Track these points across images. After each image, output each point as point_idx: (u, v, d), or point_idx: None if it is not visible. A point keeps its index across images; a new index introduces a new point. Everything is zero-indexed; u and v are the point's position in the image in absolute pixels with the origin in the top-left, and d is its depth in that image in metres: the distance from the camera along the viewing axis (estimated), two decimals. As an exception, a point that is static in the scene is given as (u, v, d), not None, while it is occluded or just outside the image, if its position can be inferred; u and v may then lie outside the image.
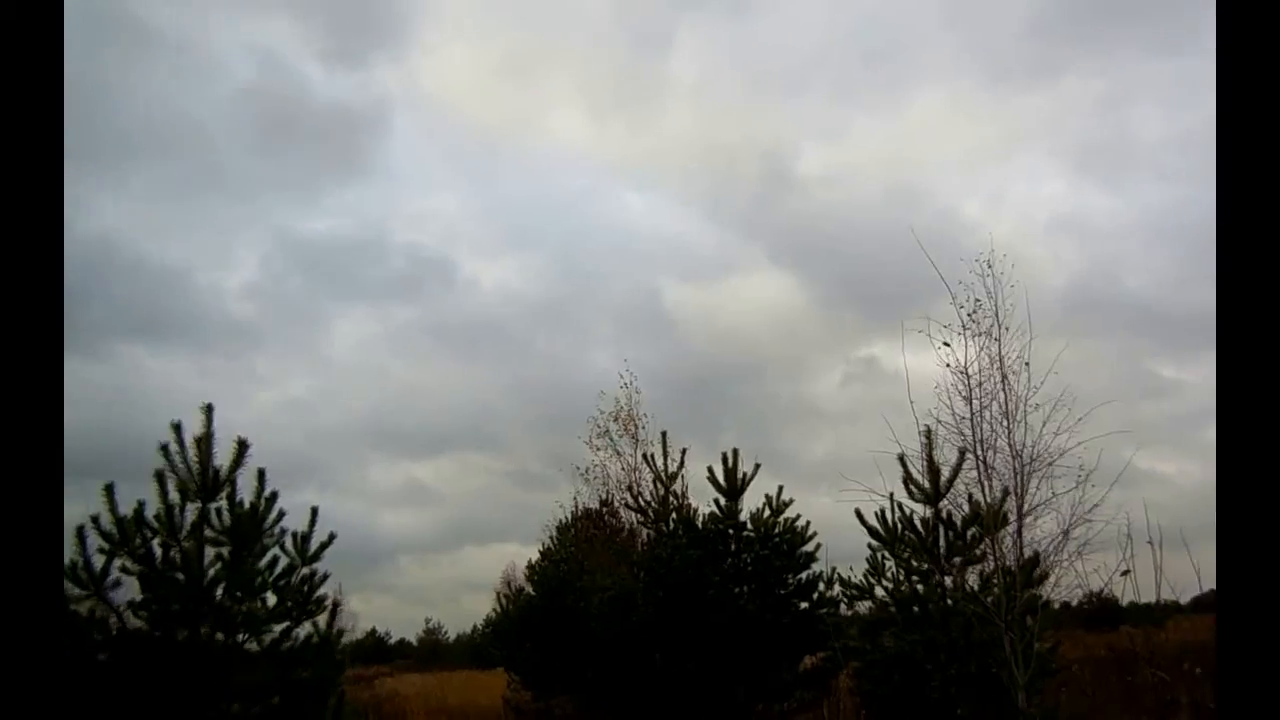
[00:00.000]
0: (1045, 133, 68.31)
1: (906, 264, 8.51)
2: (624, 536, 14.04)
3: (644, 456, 13.25)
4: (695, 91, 69.76)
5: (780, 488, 11.26)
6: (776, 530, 11.06)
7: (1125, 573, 8.78)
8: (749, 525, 11.12)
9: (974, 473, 8.79)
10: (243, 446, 6.79)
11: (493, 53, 74.05)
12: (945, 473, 9.25)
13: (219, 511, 6.72)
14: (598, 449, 14.55)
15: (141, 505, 6.49)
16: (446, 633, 47.96)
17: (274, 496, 6.88)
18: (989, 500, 8.74)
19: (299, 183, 75.29)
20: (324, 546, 7.28)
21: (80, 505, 6.48)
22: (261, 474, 6.89)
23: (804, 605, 10.99)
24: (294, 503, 7.19)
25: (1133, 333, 51.97)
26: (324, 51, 70.22)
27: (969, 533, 9.17)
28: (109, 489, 6.48)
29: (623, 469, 14.32)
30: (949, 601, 9.17)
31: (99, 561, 6.34)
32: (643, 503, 12.79)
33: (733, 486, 11.16)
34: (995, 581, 8.54)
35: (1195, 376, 48.53)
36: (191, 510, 6.65)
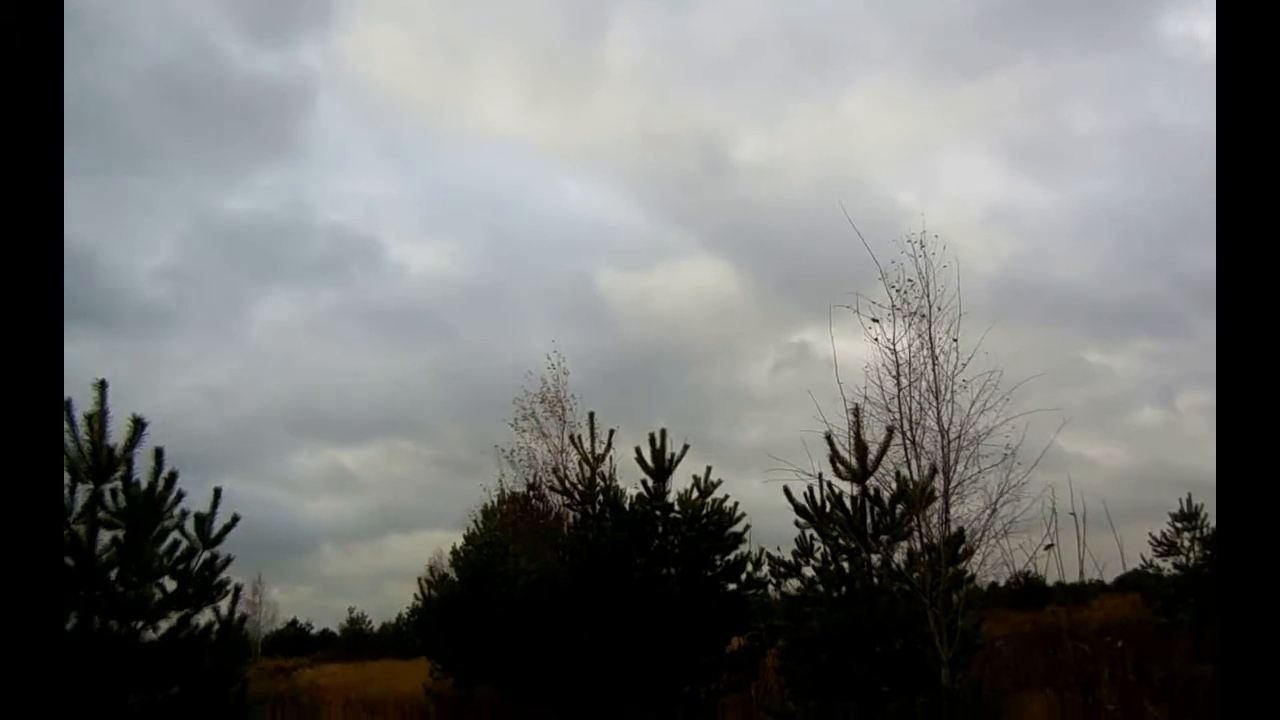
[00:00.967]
0: (980, 125, 69.77)
1: (841, 252, 8.65)
2: (550, 520, 13.97)
3: (571, 438, 13.22)
4: (632, 78, 69.63)
5: (709, 469, 11.30)
6: (704, 511, 11.08)
7: (1049, 546, 8.99)
8: (676, 507, 11.12)
9: (902, 451, 8.93)
10: (139, 425, 6.55)
11: (423, 33, 72.93)
12: (873, 451, 9.37)
13: (114, 493, 6.46)
14: (523, 431, 14.49)
15: (27, 486, 6.20)
16: (370, 622, 47.44)
17: (173, 477, 6.65)
18: (917, 478, 8.87)
19: (219, 162, 73.35)
20: (227, 529, 7.07)
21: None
22: (159, 453, 6.65)
23: (731, 586, 11.04)
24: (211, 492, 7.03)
25: (1061, 320, 53.53)
26: (247, 27, 68.35)
27: (896, 510, 9.30)
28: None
29: (549, 451, 14.28)
30: (875, 579, 9.30)
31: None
32: (569, 485, 12.73)
33: (660, 468, 11.14)
34: (922, 559, 8.68)
35: (1121, 363, 50.34)
36: (83, 492, 6.39)
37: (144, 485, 6.50)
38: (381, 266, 69.72)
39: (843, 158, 64.95)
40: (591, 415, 12.85)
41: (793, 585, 10.46)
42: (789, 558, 11.54)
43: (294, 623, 47.45)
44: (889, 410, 8.87)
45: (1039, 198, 64.74)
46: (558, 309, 58.59)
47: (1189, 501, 20.62)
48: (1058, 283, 53.75)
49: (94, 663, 6.00)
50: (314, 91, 73.40)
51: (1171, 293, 56.43)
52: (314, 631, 49.62)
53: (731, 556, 11.14)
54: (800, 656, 9.16)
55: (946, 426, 8.81)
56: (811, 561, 10.29)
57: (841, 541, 9.63)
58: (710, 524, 11.08)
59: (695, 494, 11.16)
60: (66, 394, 6.42)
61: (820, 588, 9.71)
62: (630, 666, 10.40)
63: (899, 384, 8.62)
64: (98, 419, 6.43)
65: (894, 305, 8.77)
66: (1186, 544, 20.55)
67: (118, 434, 6.55)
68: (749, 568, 11.26)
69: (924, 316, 8.85)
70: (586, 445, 12.62)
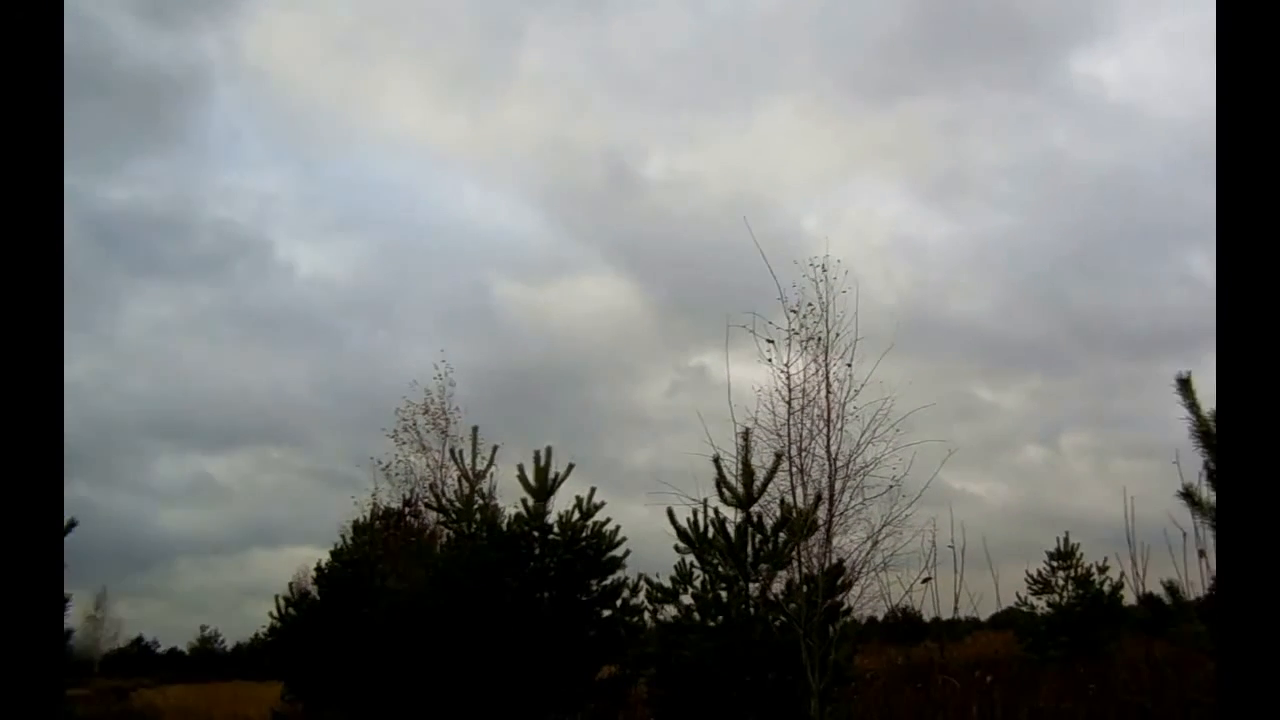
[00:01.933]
0: (886, 154, 72.00)
1: (745, 275, 8.79)
2: (424, 537, 13.74)
3: (451, 453, 13.05)
4: (542, 86, 69.66)
5: (592, 489, 11.27)
6: (584, 534, 11.06)
7: (926, 580, 9.31)
8: (556, 528, 11.07)
9: (789, 478, 9.08)
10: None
11: (331, 27, 71.47)
12: (760, 477, 9.51)
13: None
14: (403, 444, 14.24)
15: None
16: (224, 642, 45.74)
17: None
18: (802, 506, 9.04)
19: (97, 147, 70.04)
20: (65, 534, 6.73)
21: None
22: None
23: (606, 612, 11.03)
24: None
25: (955, 355, 55.40)
26: (139, 8, 65.62)
27: (779, 538, 9.46)
28: None
29: (428, 466, 14.06)
30: (752, 609, 9.43)
31: None
32: (445, 501, 12.56)
33: (543, 487, 11.07)
34: (800, 589, 8.84)
35: (1010, 401, 52.44)
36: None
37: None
38: (268, 267, 67.83)
39: (751, 179, 66.32)
40: (475, 430, 12.73)
41: (670, 612, 10.50)
42: (669, 584, 11.60)
43: (139, 640, 45.39)
44: (778, 436, 9.03)
45: (940, 229, 67.27)
46: (451, 319, 57.98)
47: (1066, 540, 21.61)
48: (953, 316, 55.79)
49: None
50: (210, 81, 71.08)
51: (1060, 331, 59.15)
52: (160, 650, 47.55)
53: (609, 581, 11.13)
54: (670, 685, 9.21)
55: (834, 455, 9.01)
56: (690, 589, 10.35)
57: (721, 569, 9.74)
58: (589, 547, 11.07)
59: (576, 515, 11.12)
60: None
61: (696, 616, 9.80)
62: (493, 693, 10.28)
63: (790, 409, 8.78)
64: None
65: (791, 329, 8.94)
66: (1060, 582, 21.49)
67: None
68: (626, 593, 11.26)
69: (820, 342, 9.03)
70: (468, 461, 12.49)
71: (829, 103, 71.15)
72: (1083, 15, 67.80)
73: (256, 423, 53.42)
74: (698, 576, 10.20)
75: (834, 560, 9.06)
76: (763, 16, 69.35)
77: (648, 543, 11.38)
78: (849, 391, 8.81)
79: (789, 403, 8.73)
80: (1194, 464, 6.77)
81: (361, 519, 14.83)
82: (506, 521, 11.12)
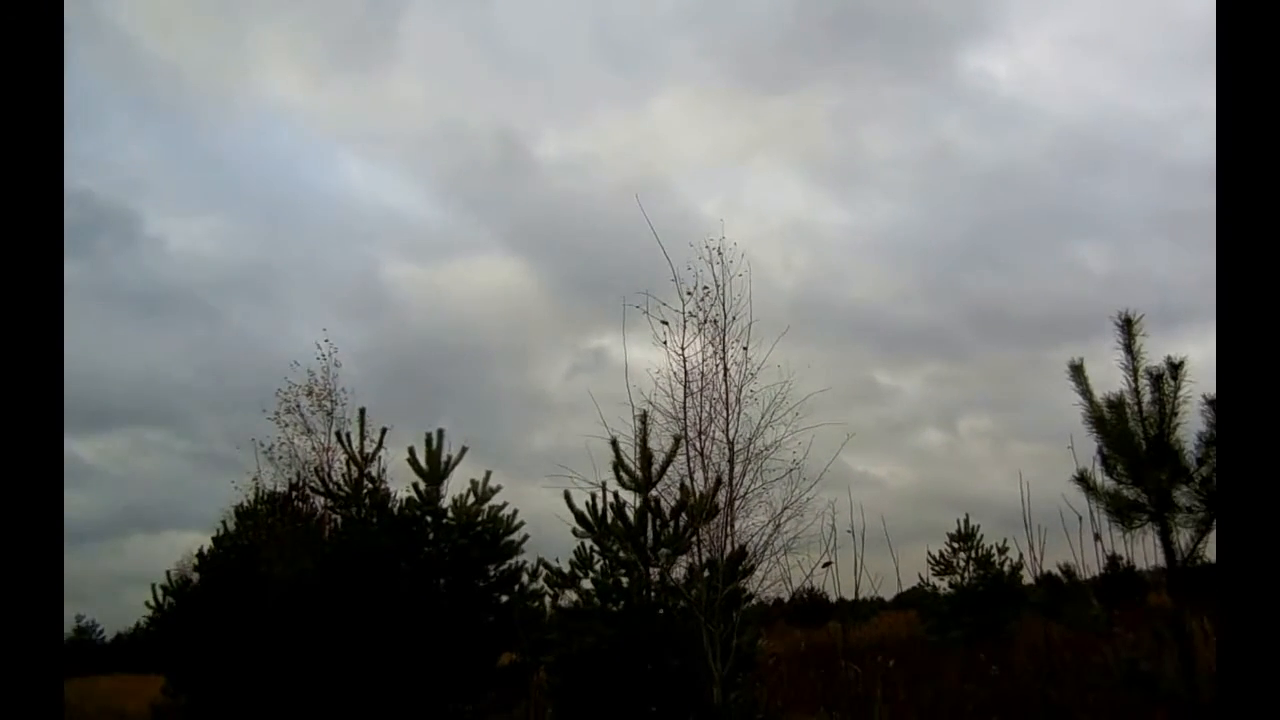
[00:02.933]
0: (782, 141, 72.59)
1: (642, 257, 8.75)
2: (313, 523, 13.43)
3: (338, 435, 12.81)
4: (430, 60, 68.15)
5: (488, 473, 11.14)
6: (480, 519, 10.92)
7: (827, 564, 9.45)
8: (450, 513, 10.90)
9: (690, 461, 9.11)
10: None
11: (197, -13, 68.47)
12: (659, 460, 9.51)
13: None
14: (285, 426, 13.92)
15: None
16: (103, 632, 44.26)
17: None
18: (702, 489, 9.06)
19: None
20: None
21: None
22: None
23: (504, 598, 10.92)
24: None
25: (854, 340, 56.46)
26: None
27: (679, 522, 9.46)
28: None
29: (313, 448, 13.77)
30: (653, 594, 9.43)
31: None
32: (332, 486, 12.30)
33: (435, 470, 10.89)
34: (701, 574, 8.86)
35: (909, 385, 53.86)
36: None
37: None
38: (137, 241, 64.97)
39: (647, 162, 66.07)
40: (362, 411, 12.54)
41: (570, 598, 10.45)
42: (569, 569, 11.55)
43: (7, 632, 43.57)
44: (677, 419, 9.03)
45: (836, 216, 68.28)
46: (338, 299, 56.59)
47: (966, 522, 22.24)
48: (851, 302, 56.78)
49: None
50: (65, 41, 67.52)
51: (956, 318, 60.76)
52: (32, 642, 45.69)
53: (506, 567, 11.03)
54: (568, 673, 9.16)
55: (733, 438, 9.06)
56: (591, 574, 10.30)
57: (622, 554, 9.72)
58: (486, 532, 10.93)
59: (471, 500, 10.96)
60: None
61: (596, 601, 9.76)
62: (389, 683, 10.12)
63: (687, 391, 8.79)
64: None
65: (689, 312, 8.94)
66: (962, 563, 22.09)
67: None
68: (525, 579, 11.17)
69: (717, 324, 9.07)
70: (355, 444, 12.28)
71: (725, 89, 71.45)
72: (974, 12, 69.55)
73: (130, 404, 51.26)
74: (598, 561, 10.17)
75: (736, 544, 9.12)
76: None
77: (549, 527, 11.27)
78: (746, 374, 8.88)
79: (685, 385, 8.74)
80: (1088, 448, 6.99)
81: (245, 503, 14.42)
82: (398, 506, 10.90)
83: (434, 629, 10.19)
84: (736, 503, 9.17)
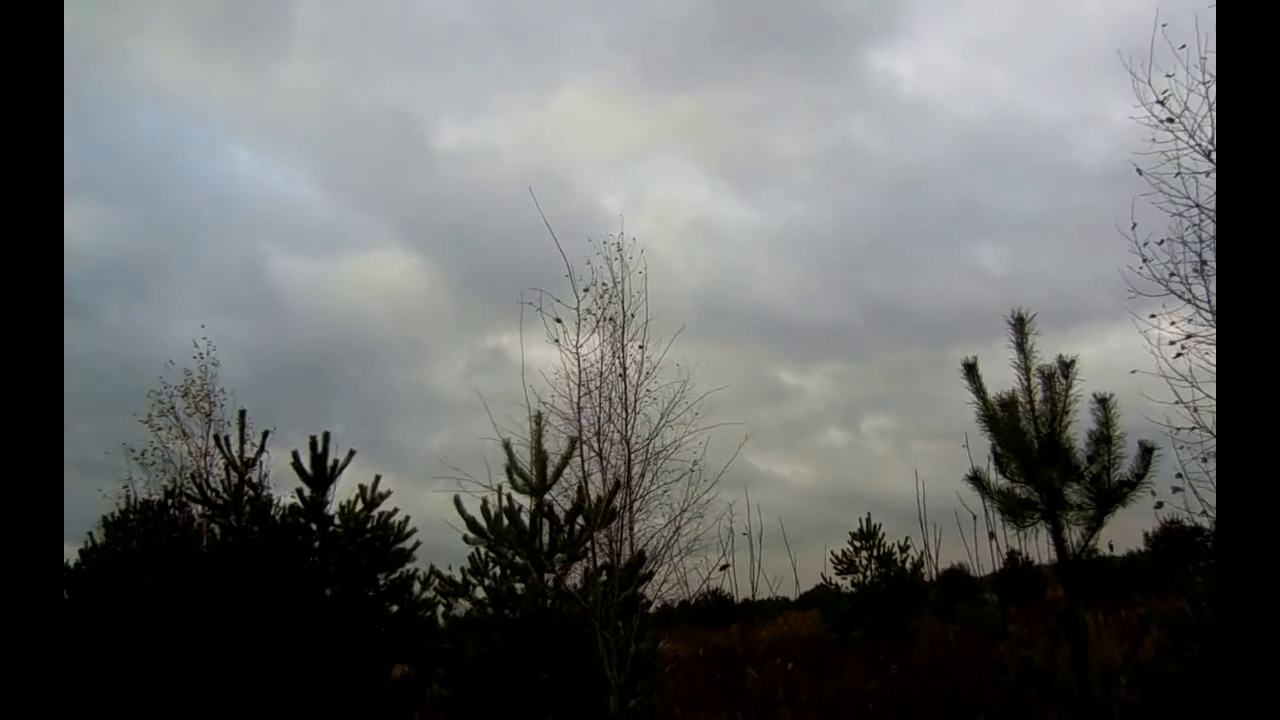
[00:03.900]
0: (687, 139, 72.86)
1: (542, 255, 8.64)
2: (190, 532, 12.95)
3: (216, 439, 12.40)
4: (322, 44, 66.15)
5: (377, 477, 10.87)
6: (369, 525, 10.65)
7: (725, 566, 9.51)
8: (337, 519, 10.61)
9: (586, 463, 9.05)
10: None
11: (73, -43, 65.51)
12: (554, 462, 9.41)
13: None
14: (158, 429, 13.42)
15: None
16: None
17: None
18: (600, 492, 9.00)
19: None
20: None
21: None
22: None
23: (395, 608, 10.67)
24: None
25: (757, 339, 57.05)
26: None
27: (575, 526, 9.37)
28: None
29: (189, 453, 13.31)
30: (549, 601, 9.32)
31: None
32: (209, 493, 11.88)
33: (321, 475, 10.58)
34: (598, 579, 8.80)
35: (813, 385, 54.79)
36: None
37: None
38: (-1, 233, 61.86)
39: (549, 156, 65.54)
40: (242, 413, 12.17)
41: (463, 607, 10.27)
42: (468, 577, 11.35)
43: None
44: (574, 420, 8.96)
45: (741, 215, 68.88)
46: (220, 294, 54.51)
47: (868, 521, 22.63)
48: (755, 301, 57.36)
49: None
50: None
51: (857, 318, 61.91)
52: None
53: (397, 575, 10.78)
54: (461, 685, 8.99)
55: (631, 438, 9.03)
56: (486, 581, 10.14)
57: (519, 560, 9.59)
58: (375, 539, 10.67)
59: (360, 506, 10.69)
60: None
61: (490, 610, 9.61)
62: (273, 698, 9.79)
63: (579, 391, 8.75)
64: None
65: (586, 309, 8.88)
66: (864, 562, 22.47)
67: None
68: (417, 587, 10.94)
69: (615, 322, 9.03)
70: (234, 448, 11.88)
71: (629, 84, 71.42)
72: (880, 12, 71.08)
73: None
74: (493, 568, 10.03)
75: (634, 547, 9.09)
76: (560, -8, 68.88)
77: (446, 533, 11.06)
78: (643, 373, 8.88)
79: (579, 385, 8.68)
80: (983, 447, 7.14)
81: (115, 513, 13.82)
82: (281, 513, 10.56)
83: (320, 642, 9.90)
84: (636, 504, 9.16)
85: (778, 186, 70.95)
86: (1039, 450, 6.83)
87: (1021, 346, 6.79)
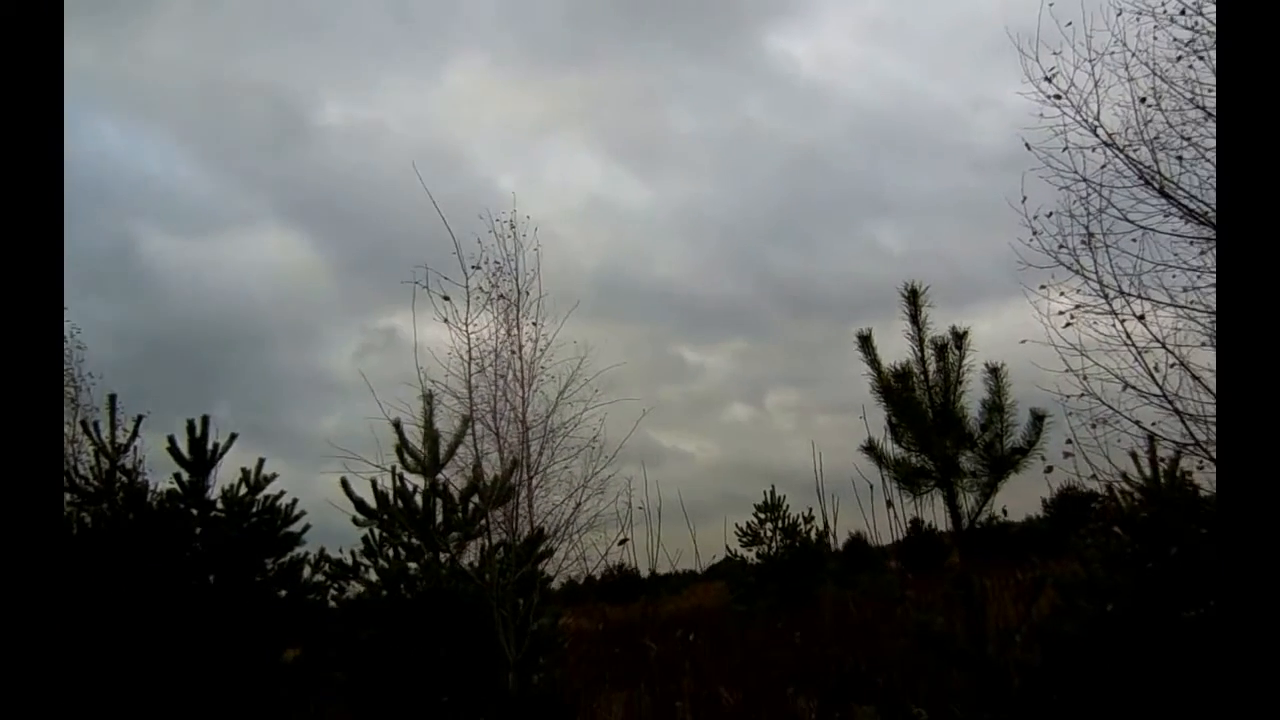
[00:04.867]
0: (584, 118, 72.35)
1: (435, 234, 8.46)
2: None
3: (84, 425, 11.91)
4: (194, 14, 63.39)
5: (261, 461, 10.54)
6: (254, 510, 10.35)
7: (623, 541, 9.55)
8: (220, 505, 10.28)
9: (481, 442, 8.98)
10: None
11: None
12: (447, 441, 9.30)
13: None
14: (20, 416, 12.83)
15: None
16: None
17: None
18: (496, 471, 8.93)
19: None
20: None
21: None
22: None
23: (285, 593, 10.42)
24: None
25: (659, 318, 57.40)
26: None
27: (470, 505, 9.28)
28: None
29: (57, 440, 12.80)
30: (444, 581, 9.22)
31: None
32: (78, 480, 11.41)
33: (200, 460, 10.22)
34: (494, 557, 8.73)
35: (716, 362, 55.47)
36: None
37: None
38: None
39: (440, 135, 64.27)
40: (112, 398, 11.67)
41: (356, 589, 10.09)
42: (360, 559, 11.16)
43: None
44: (469, 398, 8.87)
45: (639, 194, 68.88)
46: (88, 275, 52.25)
47: (772, 493, 23.00)
48: (657, 280, 57.55)
49: None
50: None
51: (759, 296, 62.54)
52: None
53: (286, 559, 10.51)
54: (354, 667, 8.85)
55: (527, 416, 8.97)
56: (379, 562, 9.97)
57: (415, 542, 9.46)
58: (262, 524, 10.37)
59: (244, 490, 10.37)
60: None
61: (384, 592, 9.47)
62: (156, 691, 9.48)
63: (471, 369, 8.65)
64: None
65: (479, 287, 8.80)
66: (769, 534, 22.83)
67: None
68: (308, 571, 10.69)
69: (508, 299, 8.97)
70: (105, 434, 11.44)
71: (522, 62, 70.41)
72: (777, -6, 71.52)
73: None
74: (388, 549, 9.87)
75: (533, 525, 9.06)
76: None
77: (341, 516, 10.85)
78: (538, 350, 8.84)
79: (469, 363, 8.58)
80: (881, 418, 7.27)
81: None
82: (157, 500, 10.18)
83: (206, 629, 9.62)
84: (535, 480, 9.12)
85: (676, 166, 71.05)
86: (933, 420, 6.97)
87: (915, 318, 6.91)
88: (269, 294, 54.83)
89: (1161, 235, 8.27)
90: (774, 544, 22.69)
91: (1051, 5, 8.48)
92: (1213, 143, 7.95)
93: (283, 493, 10.60)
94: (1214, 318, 7.89)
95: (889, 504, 8.78)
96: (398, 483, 9.29)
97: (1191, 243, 8.16)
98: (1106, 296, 8.29)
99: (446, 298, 8.49)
